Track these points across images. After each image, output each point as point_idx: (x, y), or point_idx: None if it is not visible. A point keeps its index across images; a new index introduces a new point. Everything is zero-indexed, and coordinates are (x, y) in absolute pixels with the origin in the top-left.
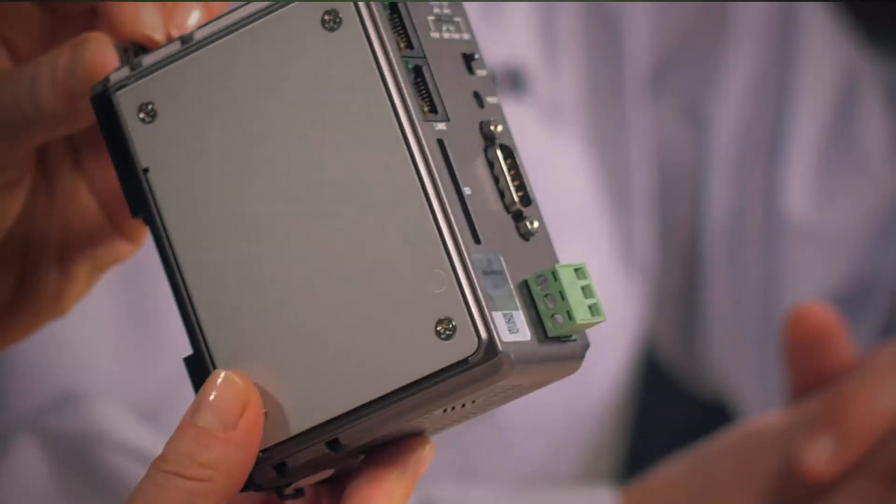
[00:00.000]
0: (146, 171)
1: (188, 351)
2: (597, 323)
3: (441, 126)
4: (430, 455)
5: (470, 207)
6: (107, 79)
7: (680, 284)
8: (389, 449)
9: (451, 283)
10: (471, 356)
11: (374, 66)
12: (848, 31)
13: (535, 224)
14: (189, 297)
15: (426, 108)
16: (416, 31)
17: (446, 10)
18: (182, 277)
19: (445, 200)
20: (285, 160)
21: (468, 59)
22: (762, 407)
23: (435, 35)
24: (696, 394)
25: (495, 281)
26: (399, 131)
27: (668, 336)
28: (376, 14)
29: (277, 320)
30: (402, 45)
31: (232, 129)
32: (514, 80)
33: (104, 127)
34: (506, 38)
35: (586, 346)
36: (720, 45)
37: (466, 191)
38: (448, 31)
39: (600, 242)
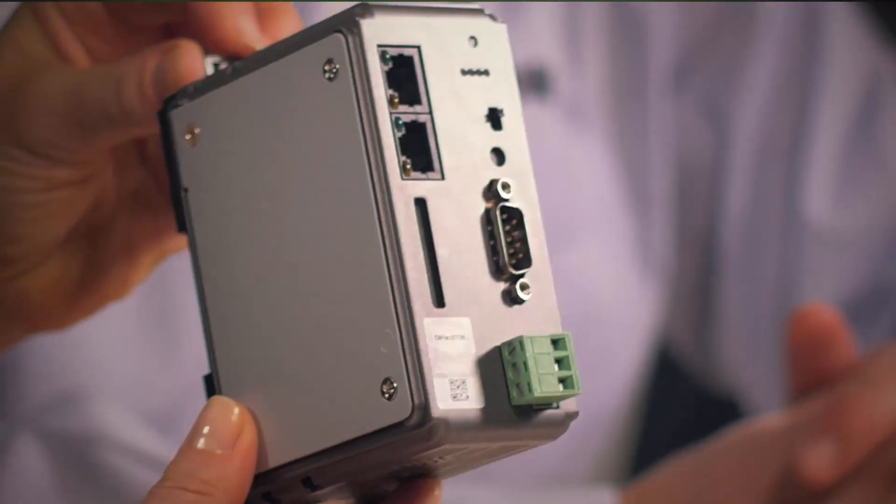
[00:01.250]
0: (186, 191)
1: (203, 358)
2: (568, 396)
3: (429, 184)
4: (438, 500)
5: (441, 269)
6: (174, 94)
7: (696, 283)
8: (401, 491)
9: (395, 345)
10: (405, 420)
11: (358, 120)
12: (872, 33)
13: (528, 288)
14: (208, 320)
15: (409, 166)
16: (427, 85)
17: (483, 65)
18: (204, 300)
19: (405, 261)
20: (281, 202)
21: (496, 115)
22: (773, 406)
23: (453, 89)
24: (707, 390)
25: (451, 346)
26: (370, 188)
27: (682, 334)
28: (369, 67)
29: (270, 356)
30: (396, 100)
31: (249, 164)
32: (537, 81)
33: (163, 141)
34: (529, 38)
35: (571, 415)
36: (743, 45)
37: (442, 252)
38: (475, 85)
39: (618, 241)
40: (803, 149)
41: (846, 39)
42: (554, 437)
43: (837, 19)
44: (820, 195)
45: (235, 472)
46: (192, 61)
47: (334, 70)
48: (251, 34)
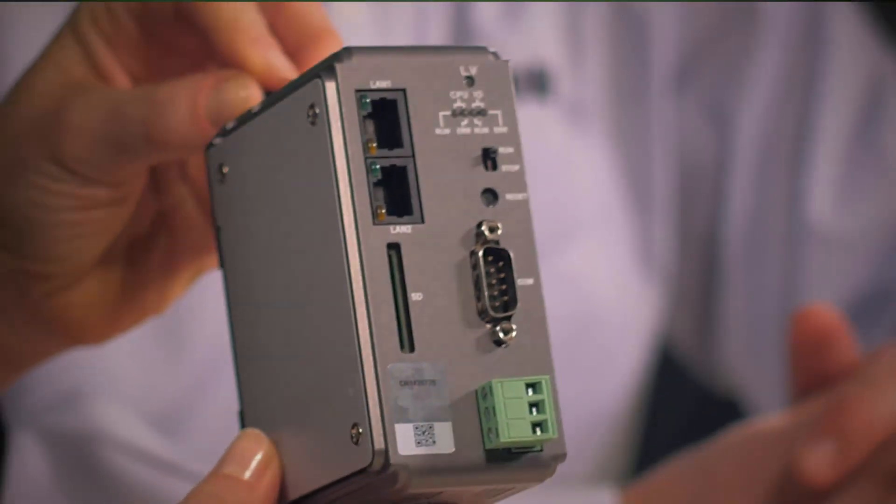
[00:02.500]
0: (219, 229)
1: (210, 359)
2: (543, 441)
3: (404, 229)
4: None
5: (414, 314)
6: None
7: (698, 284)
8: None
9: (359, 390)
10: (368, 465)
11: (331, 165)
12: (875, 34)
13: (512, 331)
14: (236, 356)
15: (383, 211)
16: (410, 128)
17: (477, 104)
18: (234, 337)
19: (371, 307)
20: (284, 245)
21: (489, 154)
22: (774, 407)
23: (442, 131)
24: (708, 390)
25: (419, 391)
26: (340, 234)
27: (683, 334)
28: (343, 112)
29: (277, 396)
30: (373, 144)
31: (260, 205)
32: (538, 81)
33: (207, 176)
34: (530, 39)
35: (557, 457)
36: (746, 46)
37: (416, 296)
38: (468, 126)
39: (620, 241)
40: (806, 150)
41: (850, 41)
42: (539, 479)
43: (841, 20)
44: (823, 196)
45: (259, 499)
46: (252, 93)
47: (315, 115)
48: (280, 68)
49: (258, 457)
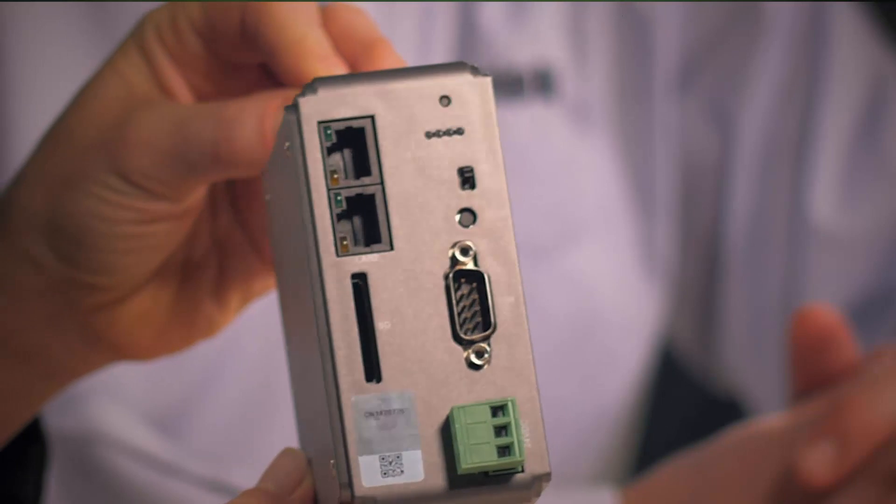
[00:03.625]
0: (273, 251)
1: (210, 360)
2: (508, 465)
3: (371, 258)
4: None
5: (381, 343)
6: None
7: (699, 284)
8: None
9: (325, 425)
10: (340, 499)
11: (298, 198)
12: (877, 35)
13: (486, 354)
14: (290, 373)
15: (347, 241)
16: (379, 155)
17: (453, 123)
18: (288, 352)
19: (333, 339)
20: (291, 275)
21: (466, 173)
22: (775, 408)
23: (415, 154)
24: (709, 391)
25: (386, 421)
26: (306, 267)
27: (685, 334)
28: (306, 145)
29: (306, 420)
30: (336, 175)
31: (278, 234)
32: (543, 82)
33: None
34: (534, 39)
35: (540, 476)
36: (748, 47)
37: (383, 325)
38: (444, 146)
39: (622, 241)
40: (808, 151)
41: (852, 42)
42: (525, 499)
43: (843, 21)
44: (824, 197)
45: None
46: None
47: (288, 148)
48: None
49: (291, 472)
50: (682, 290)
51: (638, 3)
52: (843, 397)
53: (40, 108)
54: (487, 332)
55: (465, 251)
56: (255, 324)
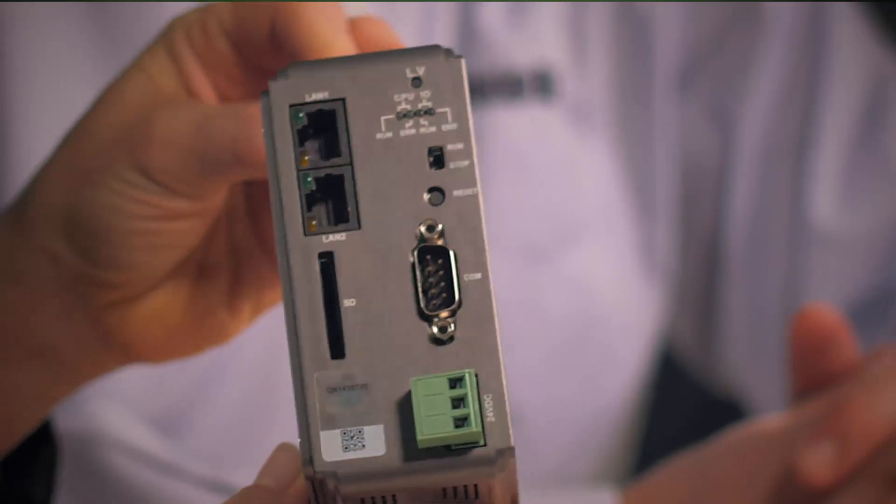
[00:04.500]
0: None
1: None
2: (465, 436)
3: (338, 237)
4: None
5: (345, 320)
6: None
7: (699, 285)
8: None
9: (295, 401)
10: (307, 474)
11: (270, 180)
12: (877, 36)
13: (449, 329)
14: None
15: (315, 221)
16: (349, 136)
17: (424, 104)
18: None
19: (298, 317)
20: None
21: (436, 153)
22: (775, 409)
23: (384, 135)
24: (710, 392)
25: (348, 397)
26: (278, 246)
27: (685, 335)
28: (275, 127)
29: None
30: (306, 157)
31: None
32: (542, 84)
33: None
34: (534, 41)
35: (502, 451)
36: (749, 47)
37: (348, 303)
38: (413, 126)
39: (622, 242)
40: (808, 151)
41: (852, 42)
42: (488, 475)
43: (843, 22)
44: (825, 198)
45: None
46: None
47: (264, 132)
48: None
49: (288, 467)
50: (683, 290)
51: (638, 3)
52: (843, 397)
53: (40, 107)
54: (452, 308)
55: (430, 228)
56: (255, 324)
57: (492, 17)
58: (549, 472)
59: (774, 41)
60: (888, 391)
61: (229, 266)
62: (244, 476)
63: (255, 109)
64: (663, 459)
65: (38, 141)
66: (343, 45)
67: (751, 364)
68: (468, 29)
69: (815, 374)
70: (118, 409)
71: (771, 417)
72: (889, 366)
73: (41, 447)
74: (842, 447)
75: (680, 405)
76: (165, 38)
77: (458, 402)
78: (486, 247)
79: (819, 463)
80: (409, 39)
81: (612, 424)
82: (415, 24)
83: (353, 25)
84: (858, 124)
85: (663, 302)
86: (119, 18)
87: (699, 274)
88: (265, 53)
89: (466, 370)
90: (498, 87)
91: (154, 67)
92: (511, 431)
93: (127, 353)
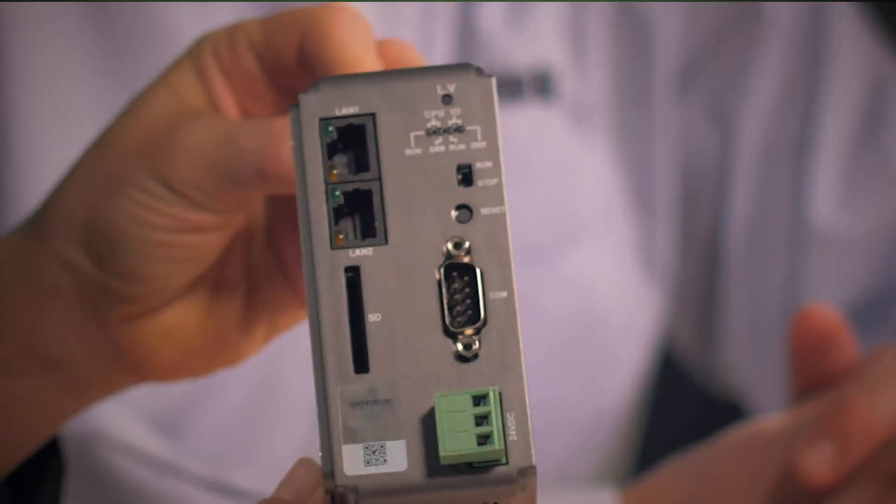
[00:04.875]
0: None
1: None
2: (488, 454)
3: (365, 251)
4: None
5: (370, 335)
6: None
7: (700, 286)
8: None
9: (318, 414)
10: (328, 488)
11: (299, 194)
12: (878, 36)
13: (474, 346)
14: None
15: (342, 235)
16: (378, 151)
17: (454, 121)
18: None
19: (323, 330)
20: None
21: (465, 170)
22: (775, 408)
23: (413, 151)
24: (709, 392)
25: (372, 411)
26: (304, 260)
27: (685, 336)
28: (304, 141)
29: None
30: (335, 170)
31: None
32: (542, 84)
33: None
34: (534, 41)
35: (524, 469)
36: (749, 48)
37: (373, 318)
38: (443, 143)
39: (622, 243)
40: (809, 152)
41: (852, 43)
42: (507, 493)
43: (843, 22)
44: (825, 198)
45: None
46: None
47: (293, 144)
48: None
49: (307, 481)
50: (682, 290)
51: (637, 3)
52: (843, 397)
53: (41, 107)
54: (477, 325)
55: (458, 245)
56: None
57: (491, 17)
58: (549, 472)
59: (774, 41)
60: (888, 391)
61: (245, 286)
62: (244, 476)
63: (280, 124)
64: (663, 459)
65: (38, 141)
66: (371, 63)
67: (751, 364)
68: (468, 29)
69: (815, 374)
70: (118, 409)
71: (771, 417)
72: (889, 366)
73: (48, 461)
74: (842, 447)
75: (680, 405)
76: (192, 54)
77: (481, 419)
78: (513, 265)
79: (819, 463)
80: (409, 39)
81: (612, 424)
82: (415, 24)
83: (381, 46)
84: (858, 124)
85: (663, 302)
86: (119, 18)
87: (699, 274)
88: (291, 72)
89: (490, 388)
90: (497, 87)
91: (180, 83)
92: (533, 450)
93: (139, 370)
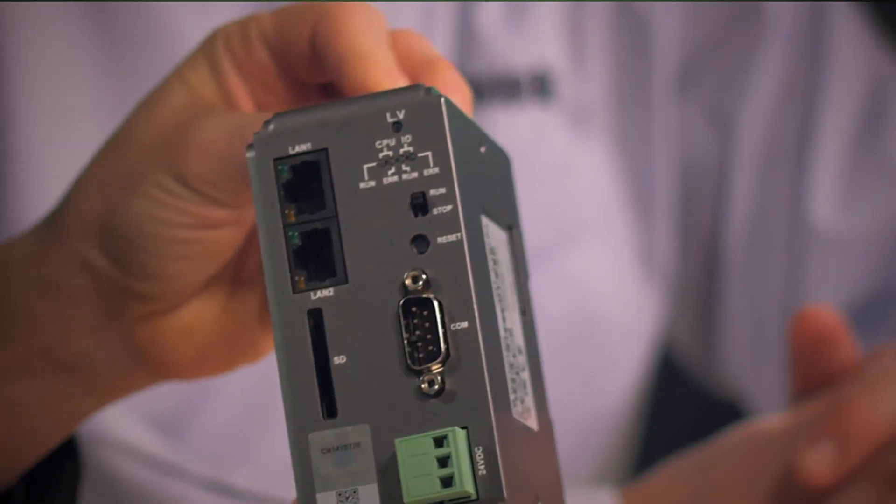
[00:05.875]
0: None
1: None
2: (454, 496)
3: (326, 293)
4: None
5: (336, 378)
6: None
7: (699, 287)
8: None
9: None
10: None
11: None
12: (877, 37)
13: (436, 383)
14: None
15: (303, 278)
16: (333, 187)
17: (405, 149)
18: None
19: (290, 377)
20: None
21: (418, 199)
22: (775, 408)
23: (367, 184)
24: (709, 393)
25: (342, 456)
26: (269, 305)
27: (685, 337)
28: (261, 184)
29: None
30: (291, 212)
31: None
32: (541, 85)
33: None
34: (533, 42)
35: (495, 502)
36: (748, 48)
37: (338, 360)
38: (396, 173)
39: (622, 244)
40: (808, 152)
41: (852, 43)
42: None
43: (843, 23)
44: (825, 199)
45: None
46: None
47: (252, 186)
48: None
49: None
50: (682, 291)
51: (637, 4)
52: (843, 397)
53: (41, 107)
54: (439, 360)
55: (415, 279)
56: None
57: (490, 17)
58: None
59: (774, 41)
60: (888, 391)
61: (261, 286)
62: (244, 476)
63: None
64: (663, 459)
65: (39, 141)
66: (383, 56)
67: (751, 364)
68: (467, 29)
69: (815, 374)
70: (118, 409)
71: (771, 417)
72: (889, 366)
73: (64, 462)
74: (842, 447)
75: (680, 406)
76: (206, 48)
77: (443, 461)
78: (473, 294)
79: (819, 463)
80: None
81: (611, 425)
82: (414, 25)
83: (392, 38)
84: (858, 124)
85: (663, 302)
86: (119, 18)
87: (699, 274)
88: (304, 64)
89: (448, 430)
90: (496, 88)
91: (193, 77)
92: (504, 483)
93: (157, 368)
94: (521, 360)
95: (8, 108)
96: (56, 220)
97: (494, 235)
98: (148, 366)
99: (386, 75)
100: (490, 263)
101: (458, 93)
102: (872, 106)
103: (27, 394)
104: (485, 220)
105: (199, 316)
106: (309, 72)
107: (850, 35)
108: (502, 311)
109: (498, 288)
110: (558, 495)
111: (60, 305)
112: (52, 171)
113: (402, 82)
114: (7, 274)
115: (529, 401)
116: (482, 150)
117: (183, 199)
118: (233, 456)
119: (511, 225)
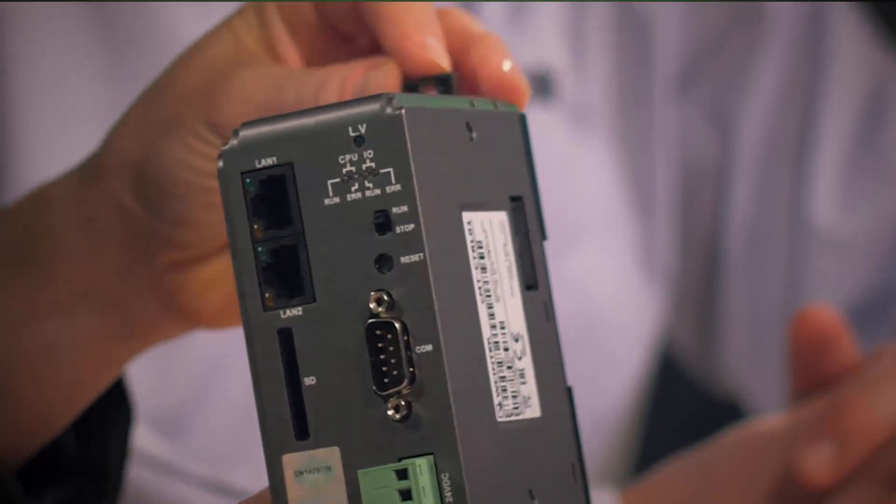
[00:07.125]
0: None
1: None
2: None
3: (295, 311)
4: None
5: (308, 399)
6: None
7: (699, 287)
8: None
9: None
10: None
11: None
12: (877, 37)
13: (401, 408)
14: None
15: (271, 296)
16: (300, 203)
17: (368, 164)
18: None
19: (263, 398)
20: None
21: (380, 218)
22: (775, 408)
23: (332, 201)
24: (709, 393)
25: (314, 480)
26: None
27: (685, 337)
28: (229, 200)
29: None
30: (259, 228)
31: None
32: (542, 86)
33: None
34: (534, 42)
35: None
36: (749, 49)
37: (309, 381)
38: (359, 190)
39: (622, 244)
40: (809, 153)
41: (852, 44)
42: None
43: (843, 23)
44: (825, 199)
45: None
46: (392, 79)
47: (222, 201)
48: (436, 52)
49: None
50: (682, 292)
51: (637, 4)
52: (843, 397)
53: (41, 107)
54: (404, 384)
55: (379, 301)
56: None
57: (491, 17)
58: None
59: (774, 41)
60: (888, 391)
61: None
62: (244, 476)
63: (323, 73)
64: (663, 459)
65: (39, 141)
66: (427, 12)
67: (751, 364)
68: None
69: (814, 374)
70: None
71: (771, 417)
72: (889, 366)
73: (115, 410)
74: (842, 447)
75: (680, 406)
76: (255, 3)
77: (405, 493)
78: (438, 315)
79: (819, 463)
80: None
81: (611, 425)
82: None
83: (440, 14)
84: (858, 125)
85: (663, 303)
86: (119, 18)
87: (699, 275)
88: (348, 23)
89: (409, 462)
90: None
91: (241, 27)
92: None
93: (187, 317)
94: (519, 346)
95: (8, 108)
96: (95, 162)
97: (483, 225)
98: (178, 313)
99: (416, 27)
100: (473, 261)
101: (505, 64)
102: (872, 106)
103: (64, 332)
104: (467, 217)
105: (223, 269)
106: (353, 27)
107: (850, 35)
108: (490, 306)
109: (485, 283)
110: (567, 475)
111: (98, 247)
112: (52, 171)
113: (432, 37)
114: (47, 213)
115: (529, 387)
116: (473, 136)
117: (215, 147)
118: (233, 456)
119: (518, 195)
